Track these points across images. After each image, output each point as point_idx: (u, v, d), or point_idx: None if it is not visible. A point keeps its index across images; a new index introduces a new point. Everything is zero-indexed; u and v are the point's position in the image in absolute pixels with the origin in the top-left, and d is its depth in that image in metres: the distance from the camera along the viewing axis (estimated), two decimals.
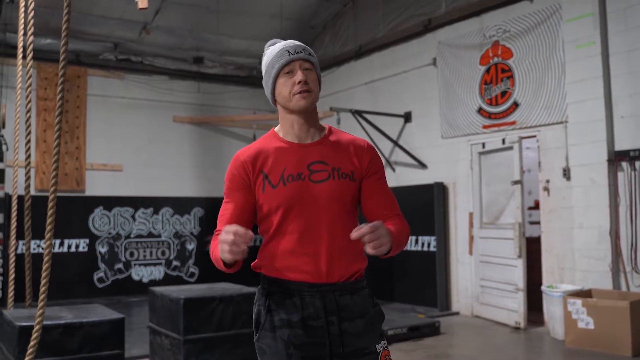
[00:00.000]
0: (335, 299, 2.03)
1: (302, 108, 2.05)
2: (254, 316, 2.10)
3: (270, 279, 2.07)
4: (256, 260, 2.13)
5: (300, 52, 2.07)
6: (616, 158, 6.49)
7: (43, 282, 3.44)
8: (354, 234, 1.82)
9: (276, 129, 2.17)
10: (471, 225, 8.18)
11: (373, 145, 2.19)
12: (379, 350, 2.06)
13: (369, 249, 1.83)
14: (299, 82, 2.02)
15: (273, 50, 2.10)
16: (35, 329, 3.65)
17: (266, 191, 2.04)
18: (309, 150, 2.09)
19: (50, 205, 3.28)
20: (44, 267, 3.36)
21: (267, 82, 2.11)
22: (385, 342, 2.11)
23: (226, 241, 1.79)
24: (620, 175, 6.48)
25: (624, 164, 6.44)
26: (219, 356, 5.16)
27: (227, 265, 1.91)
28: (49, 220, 3.22)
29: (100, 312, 4.81)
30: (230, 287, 5.86)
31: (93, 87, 10.34)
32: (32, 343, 3.46)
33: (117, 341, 4.60)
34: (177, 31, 10.50)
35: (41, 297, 3.42)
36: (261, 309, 2.07)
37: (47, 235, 3.22)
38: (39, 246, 9.34)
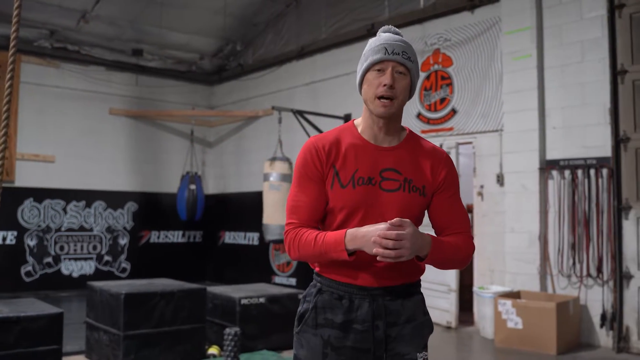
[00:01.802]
0: (384, 303, 1.99)
1: (380, 115, 1.98)
2: (299, 309, 2.06)
3: (323, 277, 2.04)
4: None
5: (398, 53, 1.95)
6: (547, 166, 6.81)
7: None
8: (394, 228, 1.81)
9: (356, 121, 2.10)
10: None
11: (451, 158, 2.16)
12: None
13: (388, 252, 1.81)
14: (384, 85, 1.94)
15: (375, 41, 2.01)
16: None
17: (334, 189, 1.98)
18: (385, 155, 2.02)
19: None
20: None
21: (358, 71, 2.05)
22: (427, 353, 2.05)
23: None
24: (550, 183, 6.80)
25: (554, 173, 6.76)
26: (158, 352, 5.12)
27: (350, 254, 1.90)
28: None
29: (37, 307, 4.69)
30: (170, 283, 5.80)
31: (26, 74, 9.96)
32: None
33: (55, 336, 4.50)
34: (117, 22, 10.28)
35: None
36: (308, 306, 2.03)
37: None
38: None
